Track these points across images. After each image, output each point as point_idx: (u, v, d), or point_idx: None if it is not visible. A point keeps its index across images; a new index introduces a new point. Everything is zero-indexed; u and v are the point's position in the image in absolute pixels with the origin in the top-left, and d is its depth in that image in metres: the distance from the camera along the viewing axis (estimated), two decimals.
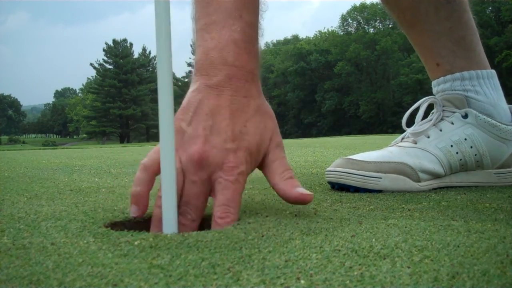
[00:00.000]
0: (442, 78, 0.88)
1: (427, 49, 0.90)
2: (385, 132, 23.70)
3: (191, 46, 0.60)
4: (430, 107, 0.88)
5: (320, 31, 37.12)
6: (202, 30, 0.57)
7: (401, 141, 0.87)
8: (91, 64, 37.65)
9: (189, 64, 35.83)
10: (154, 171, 0.53)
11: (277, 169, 0.57)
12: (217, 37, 0.56)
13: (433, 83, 0.91)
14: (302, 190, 0.55)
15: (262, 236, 0.47)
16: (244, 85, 0.56)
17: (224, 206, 0.51)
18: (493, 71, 0.88)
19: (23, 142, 49.96)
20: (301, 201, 0.55)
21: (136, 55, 39.45)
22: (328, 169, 0.83)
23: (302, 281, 0.33)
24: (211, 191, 0.53)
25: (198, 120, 0.54)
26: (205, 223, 0.57)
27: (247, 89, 0.56)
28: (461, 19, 0.86)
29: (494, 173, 0.85)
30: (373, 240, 0.45)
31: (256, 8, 0.59)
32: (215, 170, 0.52)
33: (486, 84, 0.86)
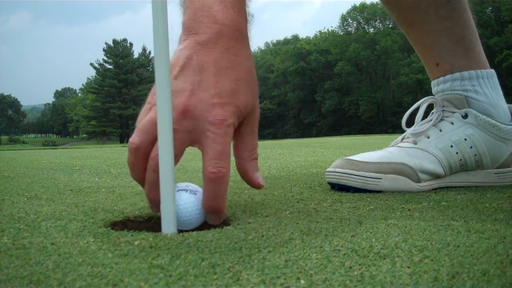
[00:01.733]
0: (441, 78, 0.88)
1: (427, 49, 0.90)
2: (385, 132, 23.69)
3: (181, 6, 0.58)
4: (430, 107, 0.88)
5: (320, 31, 37.16)
6: None
7: (401, 142, 0.86)
8: (91, 64, 37.68)
9: None
10: (146, 152, 0.51)
11: (248, 144, 0.57)
12: None
13: (433, 83, 0.91)
14: (260, 178, 0.58)
15: (262, 236, 0.47)
16: (234, 44, 0.54)
17: (215, 160, 0.50)
18: (493, 71, 0.88)
19: (23, 142, 49.96)
20: (256, 186, 0.58)
21: (136, 55, 39.47)
22: (328, 169, 0.83)
23: (302, 281, 0.33)
24: (195, 143, 0.52)
25: (186, 74, 0.52)
26: (204, 224, 0.58)
27: (238, 48, 0.54)
28: (461, 19, 0.86)
29: (494, 173, 0.85)
30: (373, 240, 0.45)
31: None
32: (201, 123, 0.51)
33: (486, 84, 0.86)
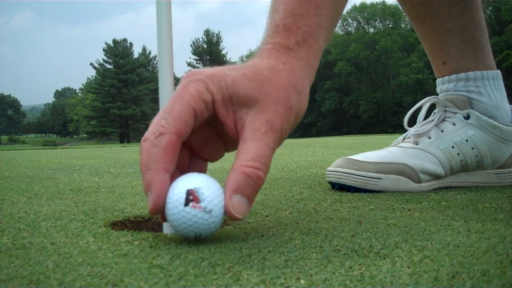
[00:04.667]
0: (447, 77, 0.87)
1: (436, 46, 0.89)
2: (385, 132, 23.68)
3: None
4: (432, 106, 0.88)
5: None
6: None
7: (402, 141, 0.86)
8: (91, 64, 37.64)
9: (189, 64, 35.81)
10: (182, 136, 0.42)
11: (245, 151, 0.44)
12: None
13: (438, 81, 0.90)
14: (237, 204, 0.43)
15: (262, 236, 0.47)
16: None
17: None
18: (499, 72, 0.87)
19: (23, 142, 49.92)
20: (227, 213, 0.43)
21: (136, 55, 39.44)
22: (328, 169, 0.83)
23: (302, 281, 0.33)
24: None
25: None
26: None
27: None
28: (473, 18, 0.85)
29: (494, 173, 0.85)
30: (373, 240, 0.45)
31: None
32: None
33: (490, 86, 0.85)
